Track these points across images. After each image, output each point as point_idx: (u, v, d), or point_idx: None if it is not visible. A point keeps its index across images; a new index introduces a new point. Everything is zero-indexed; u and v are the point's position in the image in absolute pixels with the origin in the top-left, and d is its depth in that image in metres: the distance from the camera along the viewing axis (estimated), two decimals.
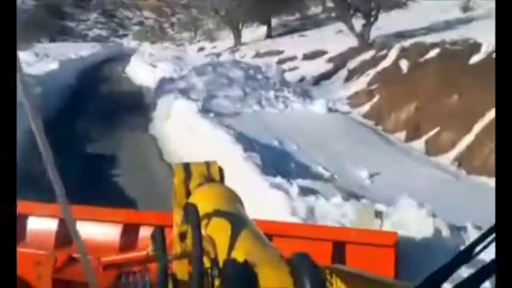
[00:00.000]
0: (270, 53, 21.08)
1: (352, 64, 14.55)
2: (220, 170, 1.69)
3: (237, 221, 1.22)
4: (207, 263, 1.12)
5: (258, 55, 21.59)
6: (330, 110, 10.90)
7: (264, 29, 29.93)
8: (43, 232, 3.03)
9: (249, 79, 12.11)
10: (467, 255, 0.87)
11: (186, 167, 1.66)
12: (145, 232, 2.90)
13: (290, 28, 28.77)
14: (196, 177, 1.63)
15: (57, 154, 1.37)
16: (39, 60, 19.21)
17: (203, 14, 45.72)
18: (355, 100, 12.18)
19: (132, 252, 2.69)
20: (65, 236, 2.86)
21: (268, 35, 27.67)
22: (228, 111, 9.82)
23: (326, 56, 16.67)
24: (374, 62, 13.49)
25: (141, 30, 74.02)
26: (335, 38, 19.73)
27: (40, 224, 3.08)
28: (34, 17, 48.68)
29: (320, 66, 15.94)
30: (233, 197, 1.45)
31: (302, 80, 15.07)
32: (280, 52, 20.55)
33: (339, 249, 2.70)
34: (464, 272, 0.87)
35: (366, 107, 11.57)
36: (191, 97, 10.68)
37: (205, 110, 9.03)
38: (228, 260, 1.03)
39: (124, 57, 29.20)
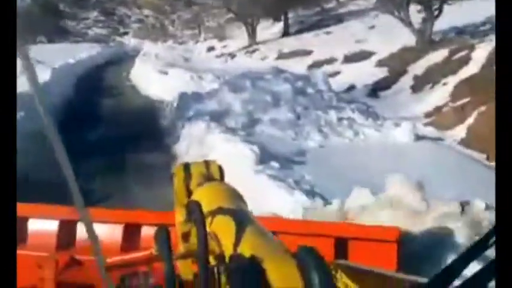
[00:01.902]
0: (295, 54, 17.78)
1: (416, 69, 11.27)
2: (220, 169, 1.64)
3: (241, 218, 1.17)
4: (212, 260, 1.05)
5: (281, 56, 18.27)
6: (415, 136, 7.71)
7: (278, 25, 26.57)
8: (44, 234, 2.90)
9: (298, 94, 8.86)
10: (476, 251, 0.83)
11: (186, 166, 1.61)
12: (147, 232, 2.82)
13: (308, 24, 25.41)
14: (196, 177, 1.58)
15: None
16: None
17: (208, 10, 42.38)
18: (439, 120, 8.92)
19: (134, 252, 2.11)
20: (67, 237, 2.83)
21: (286, 32, 24.29)
22: (286, 151, 6.56)
23: (375, 58, 13.38)
24: (452, 66, 10.22)
25: (141, 28, 70.81)
26: (374, 36, 16.43)
27: (41, 226, 2.95)
28: (30, 16, 45.30)
29: (370, 71, 12.67)
30: (235, 194, 1.41)
31: (350, 89, 11.80)
32: (308, 52, 17.27)
33: (341, 245, 2.61)
34: (474, 268, 0.80)
35: (461, 131, 8.32)
36: (229, 125, 7.44)
37: (260, 155, 5.76)
38: (234, 255, 0.99)
39: (127, 58, 25.97)
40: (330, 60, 14.63)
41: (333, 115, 8.25)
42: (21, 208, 2.82)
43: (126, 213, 3.10)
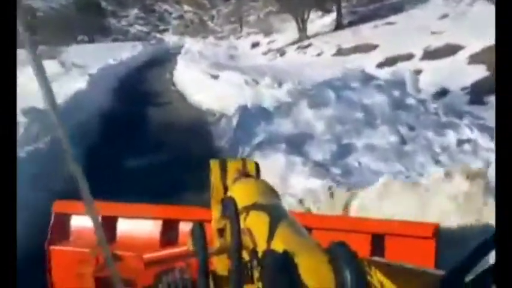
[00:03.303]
0: (357, 49, 15.42)
1: None
2: (257, 166, 1.63)
3: (275, 213, 1.16)
4: (246, 256, 1.05)
5: (341, 52, 15.93)
6: None
7: (329, 17, 24.15)
8: (86, 230, 2.82)
9: (398, 107, 6.63)
10: (491, 244, 0.81)
11: (222, 163, 1.62)
12: (185, 227, 2.79)
13: (361, 15, 22.89)
14: (232, 173, 1.58)
15: None
16: (64, 73, 14.22)
17: (249, 3, 40.31)
18: None
19: (173, 247, 2.03)
20: (108, 233, 2.76)
21: (339, 24, 21.87)
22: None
23: (464, 53, 10.93)
24: None
25: (180, 24, 69.83)
26: (451, 26, 13.91)
27: (83, 223, 2.87)
28: (71, 15, 44.52)
29: (462, 69, 10.24)
30: (270, 190, 1.40)
31: (443, 93, 9.44)
32: (372, 47, 14.88)
33: (378, 242, 2.53)
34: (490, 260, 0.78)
35: None
36: (317, 160, 5.33)
37: None
38: (267, 250, 0.97)
39: (170, 57, 24.25)
40: (406, 57, 12.23)
41: (450, 137, 6.01)
42: (63, 205, 2.91)
43: (164, 209, 2.97)
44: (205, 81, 12.26)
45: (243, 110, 7.39)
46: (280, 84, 10.07)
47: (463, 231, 3.00)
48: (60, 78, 12.58)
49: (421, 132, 6.15)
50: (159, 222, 2.84)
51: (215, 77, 11.91)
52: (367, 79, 7.16)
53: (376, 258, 1.22)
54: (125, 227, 2.83)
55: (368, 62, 13.00)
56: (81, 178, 1.04)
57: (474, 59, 10.41)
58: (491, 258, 0.79)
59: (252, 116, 7.01)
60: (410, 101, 6.86)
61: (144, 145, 8.19)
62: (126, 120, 9.98)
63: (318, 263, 0.86)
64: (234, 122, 7.34)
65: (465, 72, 9.92)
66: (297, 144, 5.70)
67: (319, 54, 16.55)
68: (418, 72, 11.02)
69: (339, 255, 0.84)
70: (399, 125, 6.23)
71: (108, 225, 2.84)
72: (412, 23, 16.79)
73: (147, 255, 2.14)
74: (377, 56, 13.38)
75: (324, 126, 6.07)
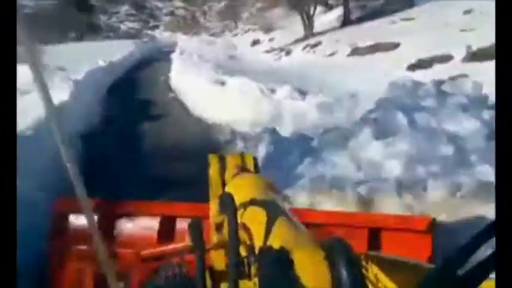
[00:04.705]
0: (376, 48, 13.51)
1: None
2: (255, 160, 1.61)
3: (272, 209, 1.15)
4: (243, 252, 1.04)
5: (357, 51, 14.00)
6: None
7: (333, 12, 22.22)
8: (84, 228, 2.67)
9: (489, 136, 4.73)
10: (487, 234, 0.76)
11: (221, 158, 1.60)
12: (182, 224, 2.74)
13: (371, 10, 20.98)
14: (230, 168, 1.56)
15: None
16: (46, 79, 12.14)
17: None
18: None
19: (169, 244, 2.25)
20: (106, 231, 2.74)
21: (347, 20, 19.95)
22: None
23: None
24: None
25: (172, 20, 67.80)
26: (484, 23, 12.04)
27: (80, 221, 2.77)
28: (61, 12, 42.21)
29: None
30: (268, 186, 1.37)
31: None
32: (395, 46, 12.99)
33: (374, 236, 2.51)
34: (485, 252, 0.74)
35: None
36: None
37: None
38: (264, 247, 0.98)
39: (163, 56, 22.30)
40: (442, 58, 10.33)
41: None
42: (60, 204, 2.83)
43: (161, 206, 2.92)
44: (209, 88, 10.28)
45: (272, 135, 5.45)
46: (304, 94, 8.16)
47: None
48: (32, 92, 10.57)
49: None
50: (157, 219, 2.77)
51: (221, 83, 9.94)
52: (440, 94, 5.24)
53: (372, 253, 1.11)
54: (123, 225, 2.78)
55: (394, 64, 11.11)
56: (77, 178, 1.19)
57: None
58: (487, 251, 0.73)
59: (285, 146, 5.07)
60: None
61: (138, 176, 6.25)
62: (114, 140, 8.01)
63: (314, 258, 0.84)
64: (260, 149, 5.39)
65: None
66: (363, 196, 3.78)
67: (330, 54, 14.61)
68: (462, 76, 9.14)
69: (335, 251, 0.82)
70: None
71: (107, 223, 2.79)
72: (431, 18, 14.93)
73: (145, 251, 2.11)
74: (403, 57, 11.47)
75: (400, 168, 4.15)
